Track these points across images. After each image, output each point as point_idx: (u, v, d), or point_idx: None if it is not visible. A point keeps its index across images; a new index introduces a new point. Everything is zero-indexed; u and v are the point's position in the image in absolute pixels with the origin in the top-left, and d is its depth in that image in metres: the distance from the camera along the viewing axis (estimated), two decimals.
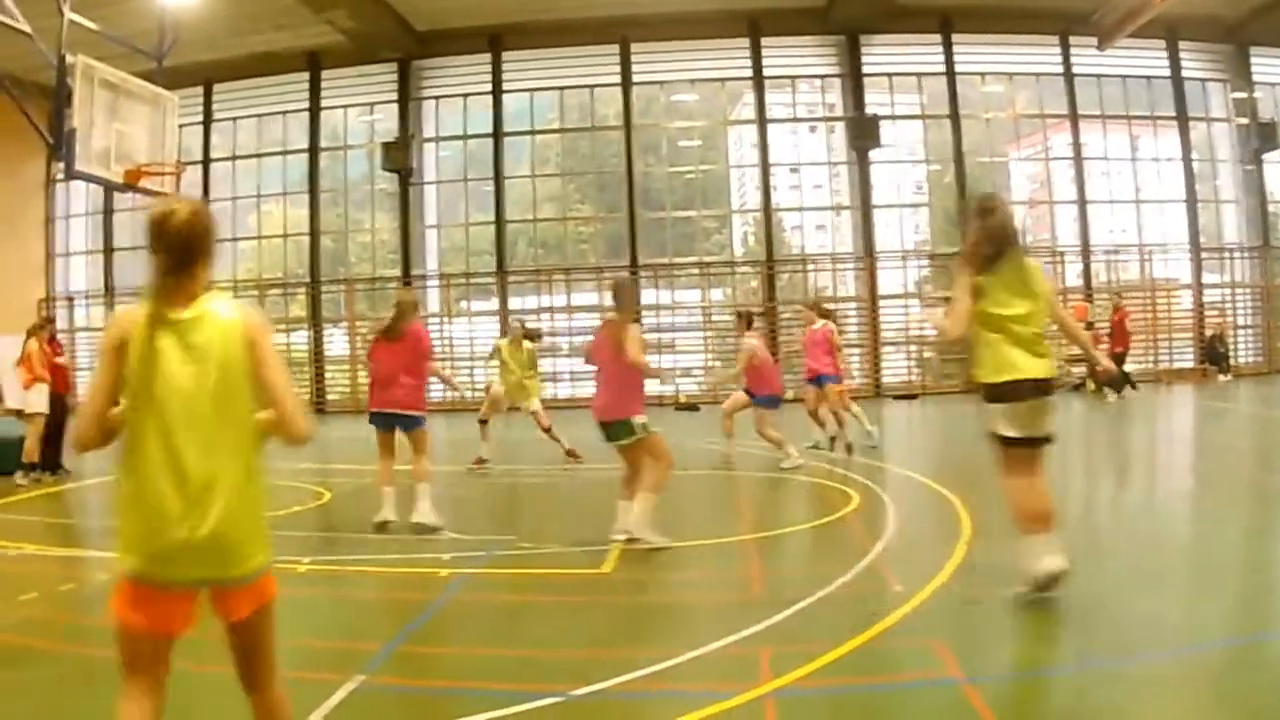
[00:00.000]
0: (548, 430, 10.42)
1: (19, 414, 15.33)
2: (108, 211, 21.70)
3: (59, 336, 12.33)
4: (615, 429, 6.12)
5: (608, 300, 18.67)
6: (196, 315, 2.27)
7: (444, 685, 3.92)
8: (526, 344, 10.73)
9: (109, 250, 21.81)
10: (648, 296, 20.16)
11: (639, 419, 6.05)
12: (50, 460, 11.03)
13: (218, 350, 2.26)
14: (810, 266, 20.80)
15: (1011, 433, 4.47)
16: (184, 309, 2.27)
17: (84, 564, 6.73)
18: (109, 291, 21.68)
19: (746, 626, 4.32)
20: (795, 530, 7.06)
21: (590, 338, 6.61)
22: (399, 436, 7.12)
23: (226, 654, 2.43)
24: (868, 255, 20.24)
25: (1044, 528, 4.42)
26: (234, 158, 21.64)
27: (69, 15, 11.02)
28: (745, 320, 10.51)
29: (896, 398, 19.24)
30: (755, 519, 7.54)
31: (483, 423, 10.43)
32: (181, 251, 2.29)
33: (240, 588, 2.29)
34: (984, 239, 4.50)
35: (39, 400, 10.82)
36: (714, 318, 20.49)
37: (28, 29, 10.77)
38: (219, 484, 2.21)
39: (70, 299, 22.25)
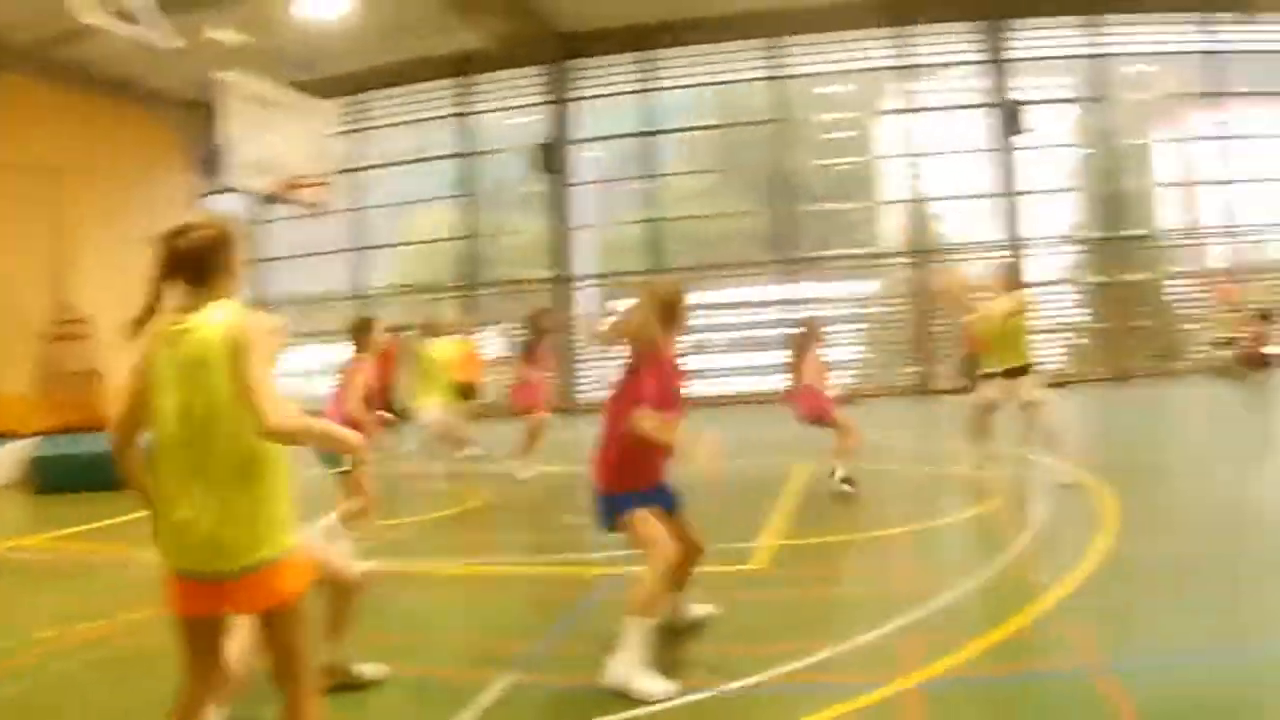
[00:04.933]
0: None
1: None
2: (258, 222, 24.39)
3: None
4: None
5: (760, 295, 20.81)
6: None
7: (596, 682, 4.17)
8: None
9: (261, 260, 24.51)
10: (803, 290, 22.83)
11: None
12: None
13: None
14: (960, 256, 23.37)
15: None
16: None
17: None
18: (262, 301, 24.42)
19: (894, 619, 4.78)
20: (943, 523, 7.53)
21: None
22: None
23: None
24: (1015, 242, 22.53)
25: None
26: (385, 165, 24.14)
27: (214, 32, 13.09)
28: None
29: (1046, 386, 21.56)
30: (903, 512, 8.03)
31: None
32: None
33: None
34: None
35: None
36: (865, 310, 23.18)
37: (172, 46, 12.19)
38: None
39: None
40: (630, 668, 4.13)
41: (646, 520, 4.42)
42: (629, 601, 4.32)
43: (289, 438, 2.69)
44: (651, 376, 4.41)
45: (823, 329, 9.73)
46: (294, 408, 2.69)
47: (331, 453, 6.71)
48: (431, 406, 10.93)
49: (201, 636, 2.79)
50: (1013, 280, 9.52)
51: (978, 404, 9.37)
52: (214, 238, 2.84)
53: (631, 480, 4.47)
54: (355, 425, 6.54)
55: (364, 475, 6.97)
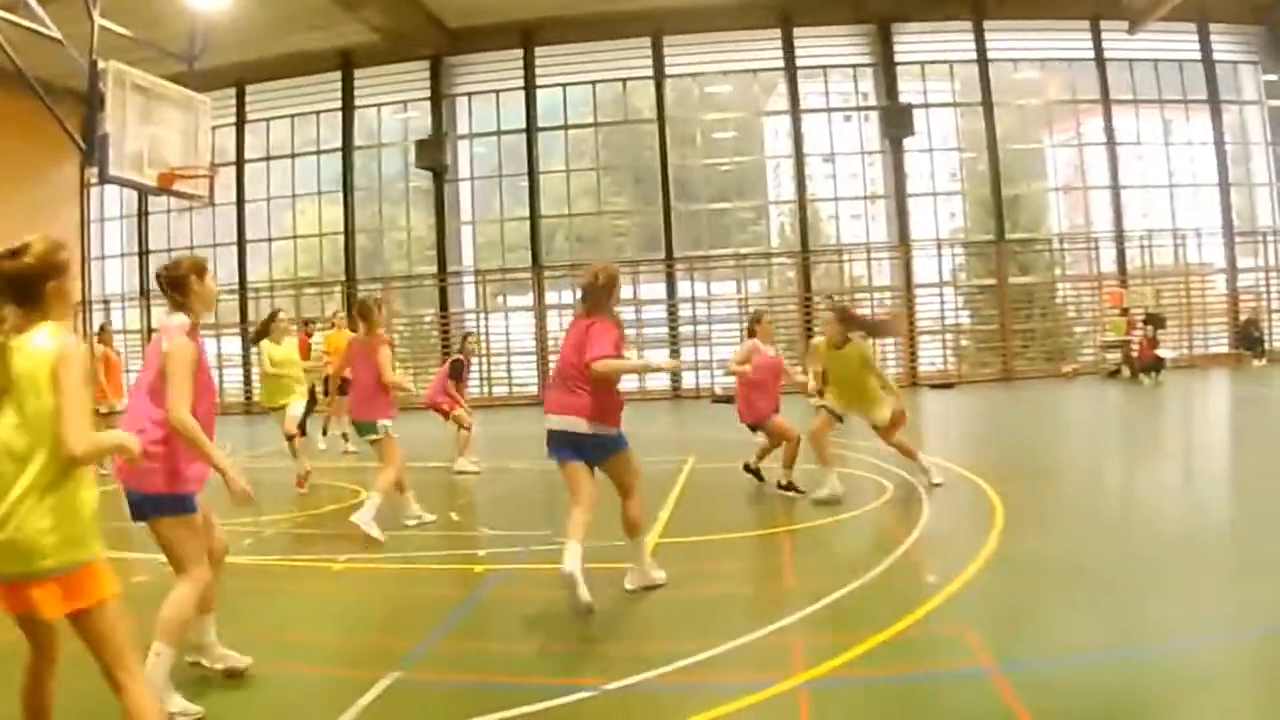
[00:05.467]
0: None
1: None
2: (142, 214, 24.15)
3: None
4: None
5: (643, 293, 20.67)
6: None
7: (480, 680, 4.22)
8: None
9: (144, 253, 24.42)
10: (683, 289, 22.89)
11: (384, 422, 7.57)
12: None
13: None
14: (846, 256, 23.53)
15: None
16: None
17: (117, 565, 7.24)
18: (144, 294, 24.27)
19: (780, 618, 4.75)
20: (830, 521, 7.37)
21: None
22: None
23: None
24: (903, 244, 22.63)
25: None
26: (268, 158, 23.97)
27: (99, 21, 12.32)
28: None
29: (933, 386, 21.39)
30: (789, 511, 7.83)
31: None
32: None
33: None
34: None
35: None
36: (751, 309, 23.17)
37: (58, 35, 12.10)
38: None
39: (106, 302, 24.67)
40: (645, 570, 5.55)
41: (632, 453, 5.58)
42: (630, 524, 5.49)
43: (87, 460, 2.91)
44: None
45: (764, 322, 8.98)
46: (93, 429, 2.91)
47: (364, 421, 7.58)
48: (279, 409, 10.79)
49: (31, 628, 2.97)
50: (843, 331, 8.42)
51: (814, 428, 8.42)
52: (38, 265, 2.92)
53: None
54: (383, 397, 7.58)
55: (392, 442, 7.54)
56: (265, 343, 10.58)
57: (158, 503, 3.95)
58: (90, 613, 2.88)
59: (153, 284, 16.54)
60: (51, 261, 2.93)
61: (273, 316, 10.79)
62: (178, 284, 4.26)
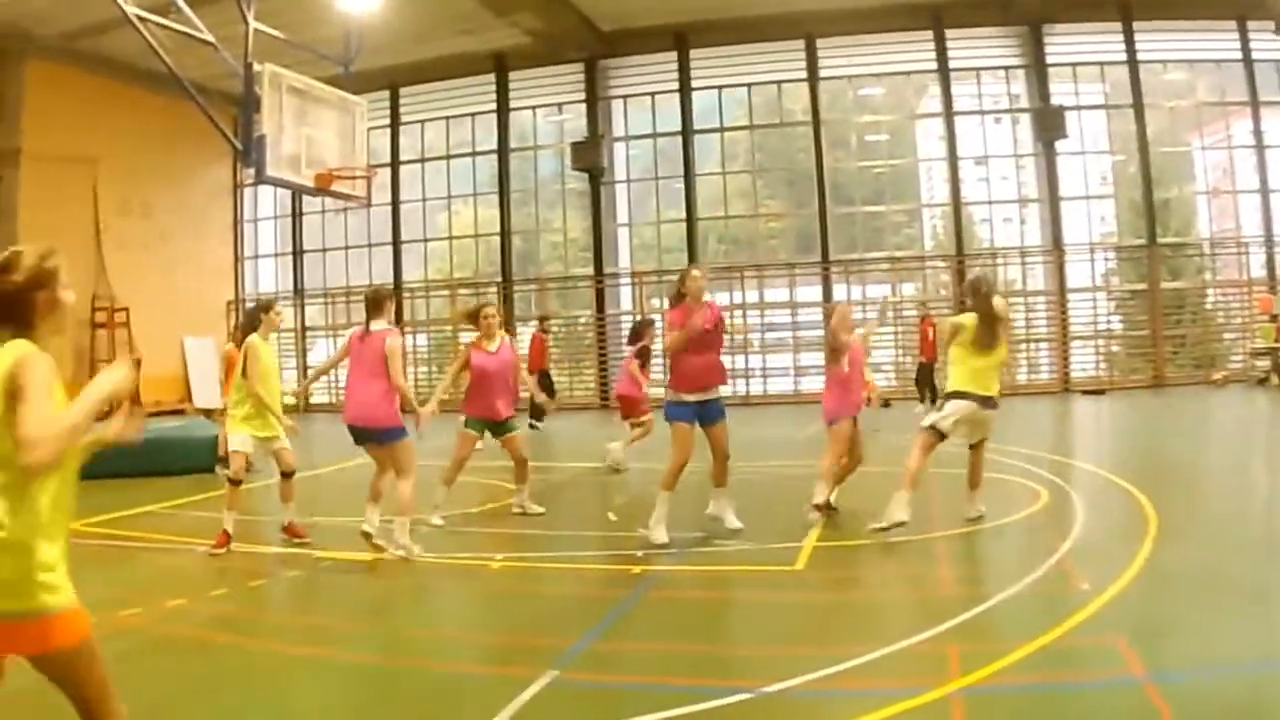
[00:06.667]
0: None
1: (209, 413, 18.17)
2: (296, 215, 24.47)
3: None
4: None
5: (799, 296, 20.77)
6: None
7: (635, 681, 4.29)
8: None
9: (298, 253, 24.72)
10: (839, 292, 22.96)
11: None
12: None
13: None
14: (1000, 260, 23.56)
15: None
16: None
17: (272, 560, 7.24)
18: (298, 293, 24.52)
19: (935, 624, 4.76)
20: (984, 528, 7.24)
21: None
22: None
23: None
24: (1056, 248, 22.56)
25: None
26: (423, 159, 24.28)
27: (254, 24, 12.47)
28: None
29: (1085, 393, 21.28)
30: (944, 516, 7.63)
31: None
32: None
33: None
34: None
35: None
36: (905, 313, 23.25)
37: (211, 39, 12.34)
38: None
39: (259, 301, 25.10)
40: (656, 525, 6.95)
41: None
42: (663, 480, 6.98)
43: (57, 456, 2.46)
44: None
45: (847, 312, 8.25)
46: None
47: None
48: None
49: None
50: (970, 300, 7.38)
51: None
52: (27, 280, 2.66)
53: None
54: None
55: (519, 439, 8.62)
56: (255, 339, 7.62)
57: (389, 433, 6.73)
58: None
59: (306, 283, 17.69)
60: (40, 272, 2.67)
61: (267, 307, 8.02)
62: (378, 304, 7.00)
